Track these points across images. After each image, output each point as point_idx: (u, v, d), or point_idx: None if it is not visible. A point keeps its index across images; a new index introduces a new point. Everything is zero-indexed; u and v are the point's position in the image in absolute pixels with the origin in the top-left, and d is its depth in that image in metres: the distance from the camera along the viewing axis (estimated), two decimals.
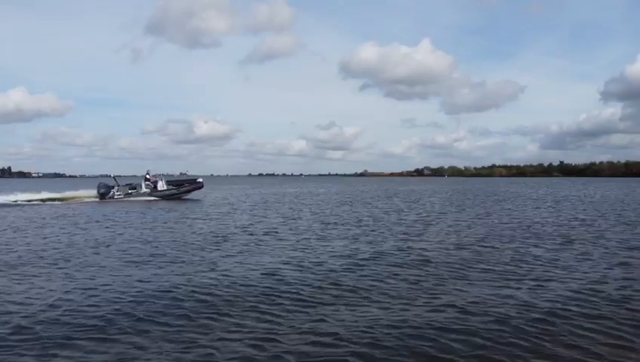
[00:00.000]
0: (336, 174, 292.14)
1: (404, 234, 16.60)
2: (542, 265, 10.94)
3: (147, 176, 37.42)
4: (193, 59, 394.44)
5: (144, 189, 36.70)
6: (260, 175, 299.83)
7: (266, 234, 16.79)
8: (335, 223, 20.27)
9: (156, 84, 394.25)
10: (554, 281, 9.31)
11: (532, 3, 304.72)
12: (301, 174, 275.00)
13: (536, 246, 13.68)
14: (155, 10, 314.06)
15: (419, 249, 13.21)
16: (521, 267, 10.69)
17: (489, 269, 10.48)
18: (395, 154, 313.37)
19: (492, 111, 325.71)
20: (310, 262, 11.48)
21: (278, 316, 7.25)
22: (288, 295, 8.39)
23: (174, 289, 8.73)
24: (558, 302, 7.87)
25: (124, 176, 56.09)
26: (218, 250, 13.33)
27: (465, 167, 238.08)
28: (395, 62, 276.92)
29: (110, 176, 39.41)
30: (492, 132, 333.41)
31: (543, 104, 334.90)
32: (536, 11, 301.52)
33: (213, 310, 7.53)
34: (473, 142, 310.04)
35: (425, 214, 24.62)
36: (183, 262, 11.55)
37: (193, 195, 40.62)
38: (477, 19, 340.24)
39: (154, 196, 36.54)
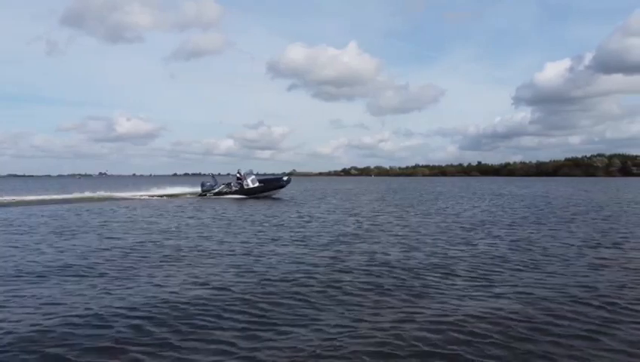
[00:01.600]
0: (265, 174, 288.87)
1: (353, 235, 15.59)
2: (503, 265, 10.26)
3: (238, 175, 39.73)
4: (115, 54, 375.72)
5: (234, 188, 39.02)
6: (186, 174, 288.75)
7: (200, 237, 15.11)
8: (280, 225, 18.93)
9: (74, 79, 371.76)
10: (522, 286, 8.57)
11: (454, 11, 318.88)
12: (229, 174, 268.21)
13: (491, 245, 13.13)
14: (73, 1, 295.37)
15: (376, 252, 12.19)
16: (480, 267, 9.94)
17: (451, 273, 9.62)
18: (323, 154, 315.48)
19: (415, 113, 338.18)
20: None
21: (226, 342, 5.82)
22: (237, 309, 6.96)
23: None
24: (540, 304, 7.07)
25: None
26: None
27: (390, 166, 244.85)
28: (322, 64, 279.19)
29: (210, 174, 44.90)
30: (415, 133, 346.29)
31: (462, 107, 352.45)
32: (458, 19, 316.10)
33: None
34: (397, 142, 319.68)
35: (366, 213, 23.87)
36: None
37: (280, 193, 41.15)
38: (403, 25, 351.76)
39: (243, 194, 38.28)
